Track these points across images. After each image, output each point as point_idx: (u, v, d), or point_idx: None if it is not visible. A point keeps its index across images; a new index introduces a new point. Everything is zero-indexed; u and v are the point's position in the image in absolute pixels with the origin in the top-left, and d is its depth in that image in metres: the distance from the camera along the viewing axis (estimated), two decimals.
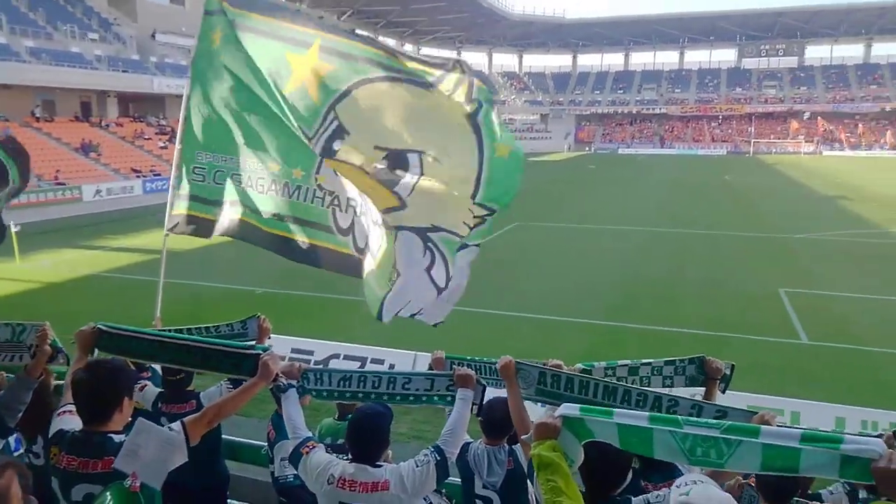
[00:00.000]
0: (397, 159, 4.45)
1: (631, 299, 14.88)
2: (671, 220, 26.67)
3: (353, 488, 2.84)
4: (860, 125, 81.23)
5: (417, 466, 2.90)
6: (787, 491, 3.04)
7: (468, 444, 3.50)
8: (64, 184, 31.49)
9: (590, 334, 12.16)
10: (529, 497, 3.52)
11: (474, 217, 4.37)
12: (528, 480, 3.41)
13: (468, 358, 3.75)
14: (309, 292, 14.22)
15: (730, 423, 2.19)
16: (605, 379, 3.31)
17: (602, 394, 3.08)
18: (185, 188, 5.27)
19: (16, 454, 3.44)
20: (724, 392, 3.66)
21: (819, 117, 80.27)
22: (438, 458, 2.94)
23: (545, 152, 79.37)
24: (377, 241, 4.68)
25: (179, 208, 5.30)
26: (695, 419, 2.24)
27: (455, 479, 3.54)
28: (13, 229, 16.84)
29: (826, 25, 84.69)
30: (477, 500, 3.44)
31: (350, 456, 2.98)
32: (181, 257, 17.06)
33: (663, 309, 13.93)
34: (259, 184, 5.13)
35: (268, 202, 5.13)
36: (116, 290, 15.09)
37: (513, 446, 3.47)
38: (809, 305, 14.10)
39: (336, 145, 4.54)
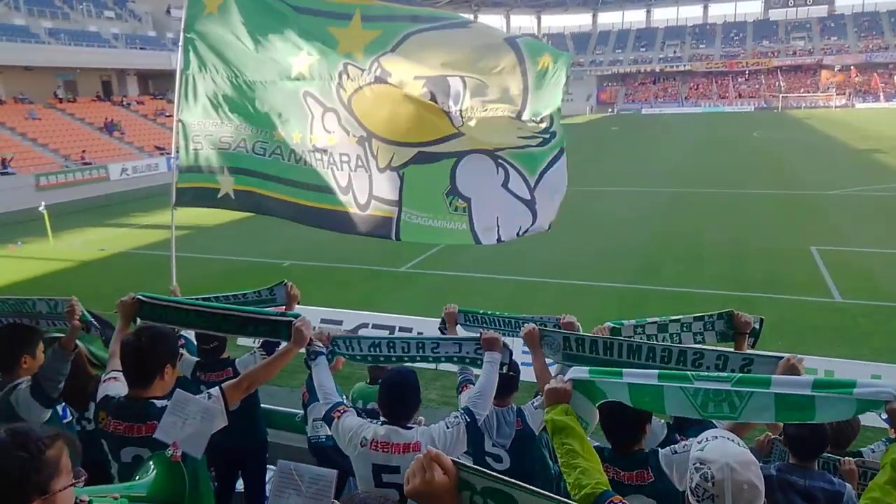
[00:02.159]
0: (438, 85, 4.46)
1: (657, 261, 14.73)
2: (698, 180, 26.20)
3: (385, 450, 2.88)
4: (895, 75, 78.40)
5: (448, 428, 2.93)
6: (816, 446, 3.02)
7: None
8: (90, 163, 31.90)
9: (614, 298, 12.08)
10: (547, 456, 3.58)
11: (526, 136, 4.44)
12: (535, 440, 3.50)
13: (481, 311, 3.87)
14: (336, 264, 14.33)
15: (740, 375, 2.17)
16: (629, 339, 3.30)
17: (627, 353, 3.07)
18: (186, 160, 5.28)
19: (64, 422, 3.60)
20: (753, 347, 3.64)
21: (852, 68, 77.51)
22: (469, 419, 2.97)
23: (567, 115, 77.63)
24: (391, 185, 4.78)
25: (182, 181, 5.31)
26: (705, 374, 2.22)
27: None
28: (41, 210, 17.23)
29: None
30: (487, 458, 3.49)
31: (382, 418, 3.02)
32: (210, 232, 17.30)
33: (690, 270, 13.78)
34: (259, 148, 5.10)
35: (271, 166, 5.12)
36: (146, 266, 15.33)
37: (521, 407, 3.50)
38: (842, 262, 13.83)
39: (386, 77, 4.62)
